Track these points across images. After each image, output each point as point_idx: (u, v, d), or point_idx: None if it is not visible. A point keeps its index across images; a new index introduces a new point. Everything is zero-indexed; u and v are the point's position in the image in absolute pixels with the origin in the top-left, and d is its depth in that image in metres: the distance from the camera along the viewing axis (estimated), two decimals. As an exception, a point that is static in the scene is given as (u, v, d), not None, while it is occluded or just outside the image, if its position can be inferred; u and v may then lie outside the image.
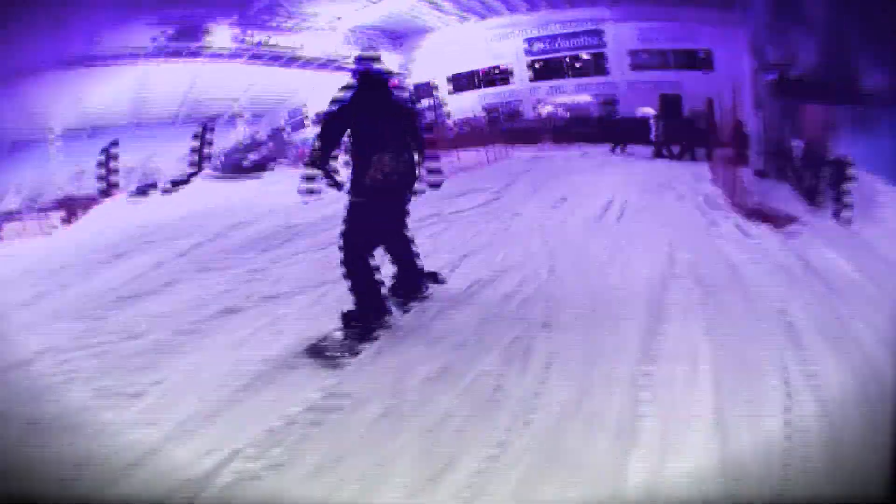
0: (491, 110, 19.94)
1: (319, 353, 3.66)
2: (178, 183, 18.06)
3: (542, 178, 11.70)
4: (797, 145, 11.10)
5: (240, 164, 19.54)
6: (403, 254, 4.38)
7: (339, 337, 3.81)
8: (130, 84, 18.05)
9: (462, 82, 20.71)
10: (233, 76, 20.25)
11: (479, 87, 20.33)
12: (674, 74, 17.64)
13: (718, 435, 2.49)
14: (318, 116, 22.70)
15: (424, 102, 21.08)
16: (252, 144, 21.56)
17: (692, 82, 17.29)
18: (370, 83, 4.27)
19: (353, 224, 4.03)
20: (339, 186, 4.37)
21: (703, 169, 11.81)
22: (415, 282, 4.42)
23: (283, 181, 16.03)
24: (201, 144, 19.84)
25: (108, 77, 17.12)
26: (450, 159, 14.89)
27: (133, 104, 18.69)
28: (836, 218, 7.62)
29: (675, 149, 14.49)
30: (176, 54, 18.14)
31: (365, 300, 3.88)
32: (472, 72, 20.50)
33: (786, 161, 11.29)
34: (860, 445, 2.18)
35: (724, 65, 16.90)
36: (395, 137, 4.16)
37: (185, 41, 18.04)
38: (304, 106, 23.43)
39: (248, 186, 16.37)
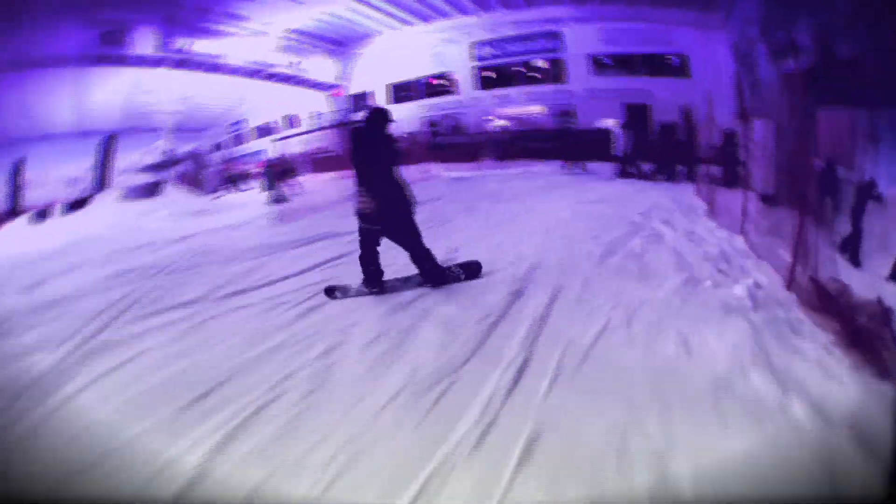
0: (432, 123, 16.47)
1: (330, 291, 4.68)
2: (75, 206, 15.22)
3: (447, 212, 7.74)
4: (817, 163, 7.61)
5: (139, 187, 16.65)
6: (408, 252, 4.65)
7: (349, 288, 4.69)
8: (69, 91, 15.93)
9: (402, 92, 17.45)
10: (172, 85, 17.91)
11: (421, 97, 16.91)
12: (643, 82, 14.42)
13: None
14: (259, 129, 20.83)
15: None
16: (166, 162, 18.55)
17: (664, 90, 14.14)
18: (370, 119, 4.54)
19: (359, 236, 4.68)
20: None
21: (686, 194, 8.23)
22: (426, 274, 4.66)
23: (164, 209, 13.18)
24: (101, 162, 16.89)
25: (45, 83, 15.22)
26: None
27: (75, 112, 16.35)
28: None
29: (648, 167, 10.87)
30: (102, 59, 15.85)
31: (366, 275, 4.65)
32: (414, 81, 17.28)
33: (805, 183, 7.71)
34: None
35: (703, 71, 13.86)
36: (379, 172, 4.41)
37: (110, 46, 15.83)
38: (246, 119, 20.94)
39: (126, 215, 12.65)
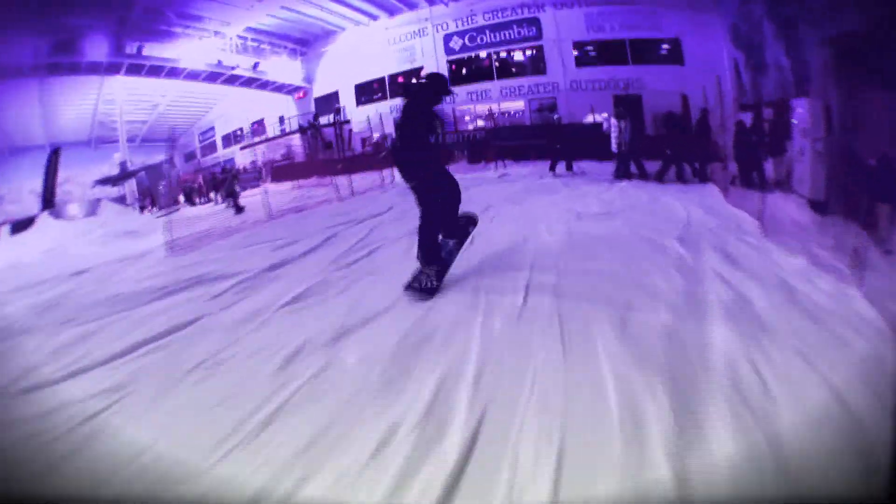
0: (398, 126, 14.18)
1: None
2: (20, 226, 13.24)
3: (385, 235, 5.19)
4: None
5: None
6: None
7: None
8: (36, 103, 14.43)
9: (367, 93, 15.12)
10: (138, 94, 16.10)
11: (388, 97, 14.65)
12: (631, 70, 12.31)
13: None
14: (226, 138, 18.46)
15: (325, 119, 15.68)
16: (120, 175, 16.35)
17: (656, 79, 12.05)
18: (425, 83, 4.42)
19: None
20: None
21: (713, 200, 5.97)
22: (419, 244, 4.06)
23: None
24: (47, 178, 14.66)
25: (9, 95, 13.74)
26: (302, 192, 9.06)
27: (44, 125, 14.78)
28: None
29: (644, 166, 8.67)
30: (55, 69, 13.96)
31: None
32: (379, 80, 14.93)
33: (860, 186, 5.63)
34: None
35: (697, 56, 11.84)
36: (415, 136, 4.16)
37: (63, 54, 13.93)
38: (214, 127, 18.60)
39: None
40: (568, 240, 4.32)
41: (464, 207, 6.58)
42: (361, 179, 9.80)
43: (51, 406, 2.56)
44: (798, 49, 8.11)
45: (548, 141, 10.20)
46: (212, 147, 18.88)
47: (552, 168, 10.10)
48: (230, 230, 7.50)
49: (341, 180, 10.55)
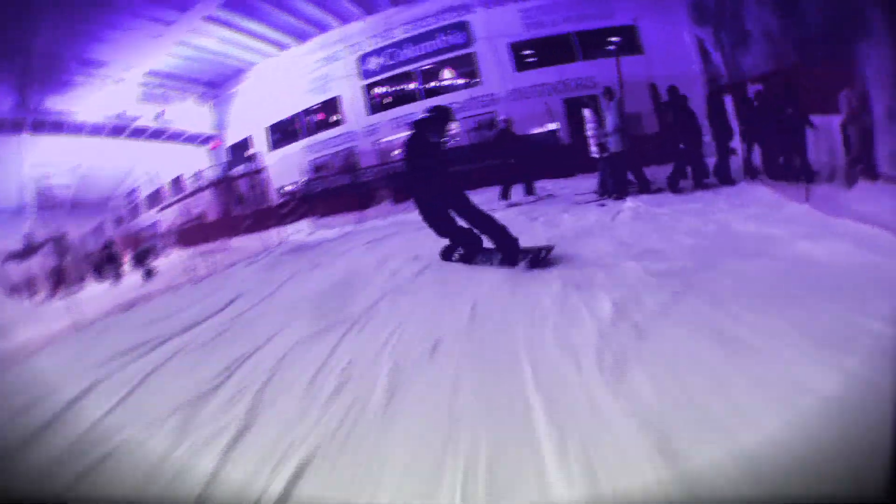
0: (317, 168, 11.52)
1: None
2: None
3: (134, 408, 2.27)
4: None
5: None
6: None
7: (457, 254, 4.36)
8: None
9: (283, 134, 12.59)
10: (59, 153, 13.58)
11: (305, 135, 11.93)
12: (582, 67, 9.82)
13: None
14: (149, 198, 15.84)
15: (240, 168, 12.87)
16: (24, 251, 13.15)
17: (613, 74, 9.55)
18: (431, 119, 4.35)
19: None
20: None
21: (797, 212, 3.24)
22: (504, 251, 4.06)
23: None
24: None
25: None
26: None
27: None
28: None
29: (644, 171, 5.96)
30: None
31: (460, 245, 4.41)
32: (293, 118, 12.45)
33: None
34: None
35: (657, 42, 9.48)
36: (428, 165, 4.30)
37: None
38: (136, 188, 15.96)
39: None
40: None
41: (356, 298, 3.98)
42: (250, 241, 6.90)
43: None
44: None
45: (499, 159, 7.29)
46: (137, 209, 16.28)
47: (504, 195, 7.23)
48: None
49: (235, 242, 7.70)
